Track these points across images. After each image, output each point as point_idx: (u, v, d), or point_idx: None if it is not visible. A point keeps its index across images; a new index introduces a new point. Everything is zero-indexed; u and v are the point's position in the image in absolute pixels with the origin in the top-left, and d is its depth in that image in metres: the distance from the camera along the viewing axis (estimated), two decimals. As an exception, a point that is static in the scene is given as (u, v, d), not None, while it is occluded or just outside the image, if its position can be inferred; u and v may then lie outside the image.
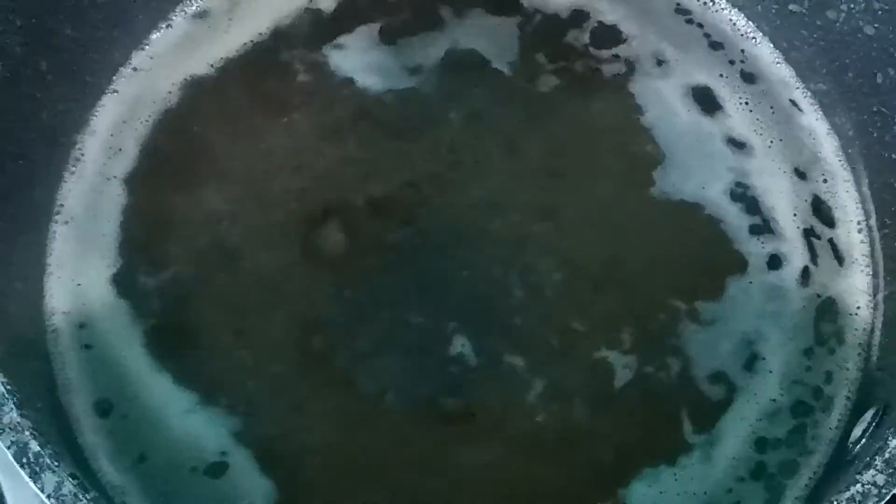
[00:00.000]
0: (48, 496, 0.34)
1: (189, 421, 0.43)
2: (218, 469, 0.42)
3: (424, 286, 0.45)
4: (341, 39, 0.50)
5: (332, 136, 0.48)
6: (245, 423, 0.43)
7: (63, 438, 0.40)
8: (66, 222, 0.46)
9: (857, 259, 0.47)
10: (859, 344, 0.45)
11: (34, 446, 0.34)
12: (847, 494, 0.35)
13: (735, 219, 0.47)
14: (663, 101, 0.49)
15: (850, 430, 0.42)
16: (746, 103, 0.49)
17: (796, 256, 0.46)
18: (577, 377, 0.44)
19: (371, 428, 0.43)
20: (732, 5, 0.51)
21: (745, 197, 0.47)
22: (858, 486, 0.35)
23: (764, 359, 0.44)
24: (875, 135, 0.46)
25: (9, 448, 0.34)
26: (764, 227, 0.47)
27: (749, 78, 0.50)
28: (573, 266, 0.45)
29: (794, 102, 0.49)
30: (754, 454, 0.43)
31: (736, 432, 0.43)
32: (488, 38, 0.50)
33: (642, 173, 0.47)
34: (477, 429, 0.43)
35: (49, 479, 0.34)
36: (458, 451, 0.43)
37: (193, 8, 0.51)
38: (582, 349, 0.44)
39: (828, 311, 0.46)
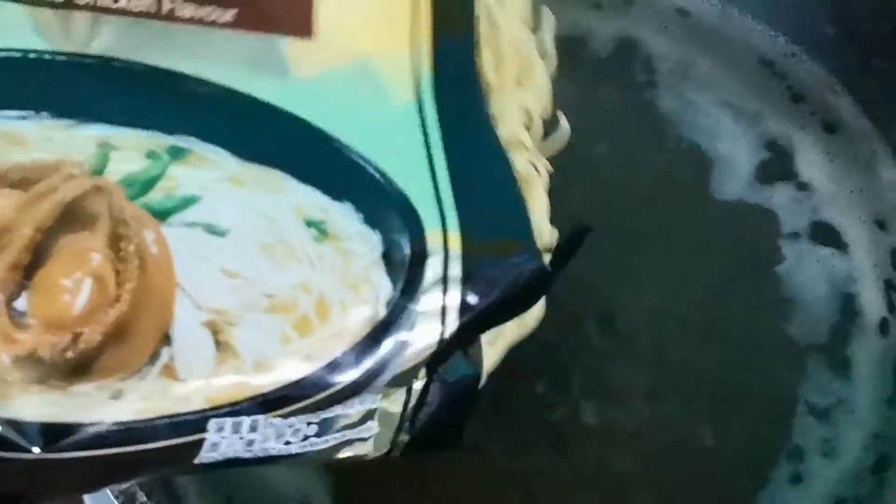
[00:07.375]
0: None
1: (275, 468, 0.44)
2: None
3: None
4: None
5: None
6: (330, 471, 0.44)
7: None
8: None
9: (938, 313, 0.47)
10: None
11: (141, 496, 0.36)
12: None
13: (813, 266, 0.47)
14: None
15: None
16: (827, 153, 0.49)
17: (875, 307, 0.47)
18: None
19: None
20: (814, 58, 0.51)
21: (825, 244, 0.48)
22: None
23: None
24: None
25: (117, 498, 0.36)
26: (843, 276, 0.47)
27: (830, 128, 0.50)
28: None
29: (874, 153, 0.50)
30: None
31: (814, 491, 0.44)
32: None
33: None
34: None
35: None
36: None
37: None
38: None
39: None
